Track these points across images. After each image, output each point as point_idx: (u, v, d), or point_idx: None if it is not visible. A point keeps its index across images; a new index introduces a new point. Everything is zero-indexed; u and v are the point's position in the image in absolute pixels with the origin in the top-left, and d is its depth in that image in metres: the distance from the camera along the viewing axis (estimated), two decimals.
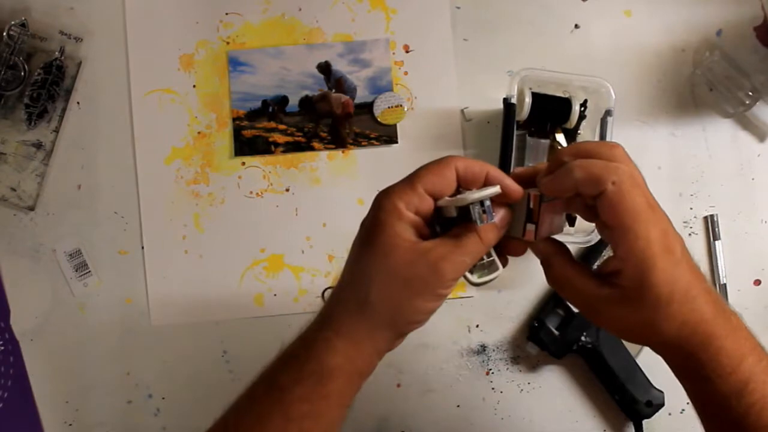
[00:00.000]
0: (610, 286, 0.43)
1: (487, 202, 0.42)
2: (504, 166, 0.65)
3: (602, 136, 0.66)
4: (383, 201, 0.44)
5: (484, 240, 0.43)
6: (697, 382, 0.45)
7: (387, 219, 0.43)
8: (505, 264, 0.47)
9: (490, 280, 0.46)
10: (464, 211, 0.43)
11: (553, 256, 0.46)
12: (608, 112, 0.66)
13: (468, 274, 0.45)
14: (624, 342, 0.70)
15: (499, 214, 0.44)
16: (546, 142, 0.68)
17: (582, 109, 0.68)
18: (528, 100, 0.66)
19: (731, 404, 0.43)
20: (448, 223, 0.44)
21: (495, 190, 0.43)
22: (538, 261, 0.71)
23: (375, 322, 0.43)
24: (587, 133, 0.69)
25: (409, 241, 0.42)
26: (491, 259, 0.45)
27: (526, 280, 0.71)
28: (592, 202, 0.43)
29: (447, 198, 0.44)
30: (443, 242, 0.43)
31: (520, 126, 0.68)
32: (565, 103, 0.67)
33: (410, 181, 0.44)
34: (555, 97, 0.68)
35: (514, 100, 0.65)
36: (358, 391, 0.45)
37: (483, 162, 0.45)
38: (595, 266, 0.69)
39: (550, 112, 0.67)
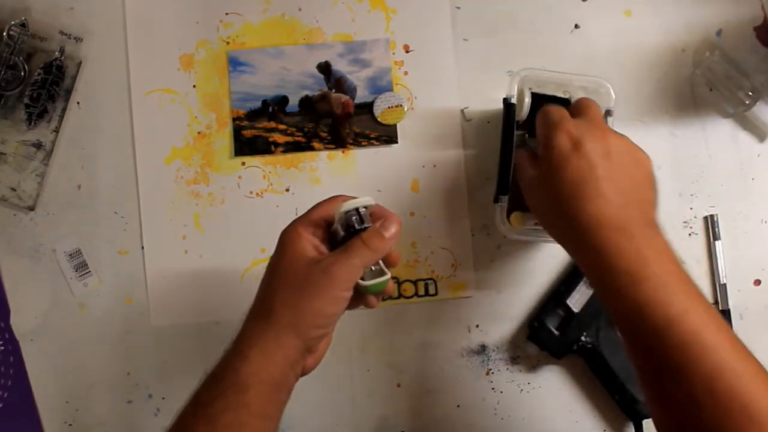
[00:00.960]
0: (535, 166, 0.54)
1: (363, 210, 0.51)
2: (504, 166, 0.65)
3: None
4: (285, 230, 0.51)
5: (368, 243, 0.49)
6: (600, 293, 0.49)
7: (289, 241, 0.50)
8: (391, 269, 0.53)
9: (378, 283, 0.51)
10: (349, 230, 0.50)
11: (519, 154, 0.58)
12: (608, 112, 0.65)
13: (360, 281, 0.50)
14: None
15: (391, 229, 0.50)
16: None
17: None
18: (527, 100, 0.66)
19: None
20: (341, 244, 0.51)
21: (367, 200, 0.51)
22: (538, 262, 0.71)
23: (280, 328, 0.47)
24: None
25: (308, 257, 0.49)
26: (379, 267, 0.52)
27: (526, 280, 0.71)
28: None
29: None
30: (335, 252, 0.49)
31: (519, 126, 0.67)
32: (565, 103, 0.67)
33: (306, 213, 0.52)
34: (555, 98, 0.68)
35: (514, 100, 0.65)
36: (281, 406, 0.48)
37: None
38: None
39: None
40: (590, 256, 0.48)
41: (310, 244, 0.50)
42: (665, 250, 0.47)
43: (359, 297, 0.52)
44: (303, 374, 0.51)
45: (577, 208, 0.48)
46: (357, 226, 0.50)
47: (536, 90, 0.67)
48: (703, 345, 0.42)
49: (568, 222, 0.49)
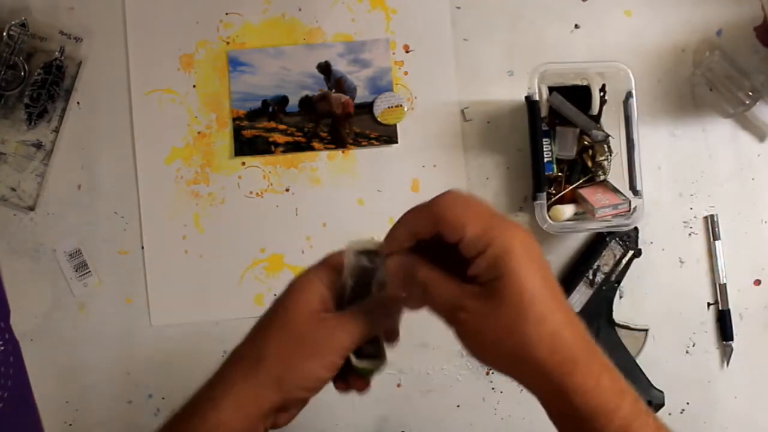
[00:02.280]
0: (475, 284, 0.40)
1: (376, 259, 0.44)
2: (536, 162, 0.66)
3: (627, 118, 0.67)
4: (299, 276, 0.46)
5: (373, 315, 0.45)
6: (557, 420, 0.41)
7: (298, 287, 0.45)
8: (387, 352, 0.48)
9: (370, 369, 0.46)
10: (360, 286, 0.46)
11: (415, 267, 0.43)
12: (629, 94, 0.66)
13: (354, 358, 0.45)
14: (624, 342, 0.70)
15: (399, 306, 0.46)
16: (576, 129, 0.69)
17: (602, 93, 0.68)
18: (545, 96, 0.67)
19: None
20: (350, 296, 0.46)
21: (376, 242, 0.45)
22: None
23: (263, 380, 0.44)
24: (610, 117, 0.70)
25: (311, 309, 0.45)
26: (377, 346, 0.47)
27: None
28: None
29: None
30: (341, 314, 0.45)
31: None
32: (585, 91, 0.68)
33: (323, 259, 0.47)
34: (574, 87, 0.68)
35: (536, 97, 0.66)
36: None
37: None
38: (595, 265, 0.69)
39: (572, 101, 0.68)
40: (562, 394, 0.40)
41: (318, 295, 0.45)
42: (608, 366, 0.41)
43: (347, 374, 0.47)
44: (272, 428, 0.47)
45: (554, 335, 0.39)
46: (367, 279, 0.45)
47: (556, 82, 0.68)
48: None
49: (544, 347, 0.39)
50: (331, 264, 0.46)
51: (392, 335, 0.49)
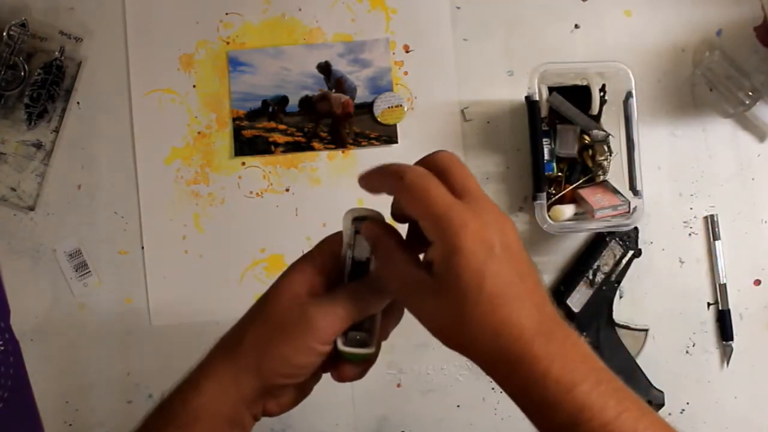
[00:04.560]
0: (427, 273, 0.40)
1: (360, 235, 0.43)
2: (536, 163, 0.67)
3: (627, 118, 0.67)
4: (293, 263, 0.45)
5: (357, 294, 0.43)
6: (528, 408, 0.42)
7: (283, 275, 0.45)
8: (377, 348, 0.45)
9: (356, 354, 0.44)
10: (359, 265, 0.44)
11: (380, 237, 0.43)
12: (629, 94, 0.66)
13: (340, 342, 0.43)
14: (624, 342, 0.70)
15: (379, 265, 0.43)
16: (577, 127, 0.69)
17: (602, 94, 0.68)
18: (545, 96, 0.67)
19: None
20: (350, 274, 0.45)
21: (373, 213, 0.44)
22: (537, 262, 0.71)
23: (242, 365, 0.44)
24: (610, 117, 0.70)
25: (293, 294, 0.44)
26: (366, 335, 0.44)
27: None
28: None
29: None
30: (321, 297, 0.43)
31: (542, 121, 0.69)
32: (585, 91, 0.68)
33: (319, 243, 0.46)
34: (574, 87, 0.68)
35: (536, 97, 0.66)
36: None
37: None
38: (595, 265, 0.69)
39: (572, 101, 0.68)
40: (516, 369, 0.41)
41: (305, 280, 0.44)
42: (582, 345, 0.42)
43: (337, 361, 0.45)
44: (265, 415, 0.46)
45: (501, 321, 0.40)
46: (347, 234, 0.43)
47: (556, 81, 0.68)
48: None
49: (488, 335, 0.41)
50: (327, 246, 0.45)
51: (382, 330, 0.46)
